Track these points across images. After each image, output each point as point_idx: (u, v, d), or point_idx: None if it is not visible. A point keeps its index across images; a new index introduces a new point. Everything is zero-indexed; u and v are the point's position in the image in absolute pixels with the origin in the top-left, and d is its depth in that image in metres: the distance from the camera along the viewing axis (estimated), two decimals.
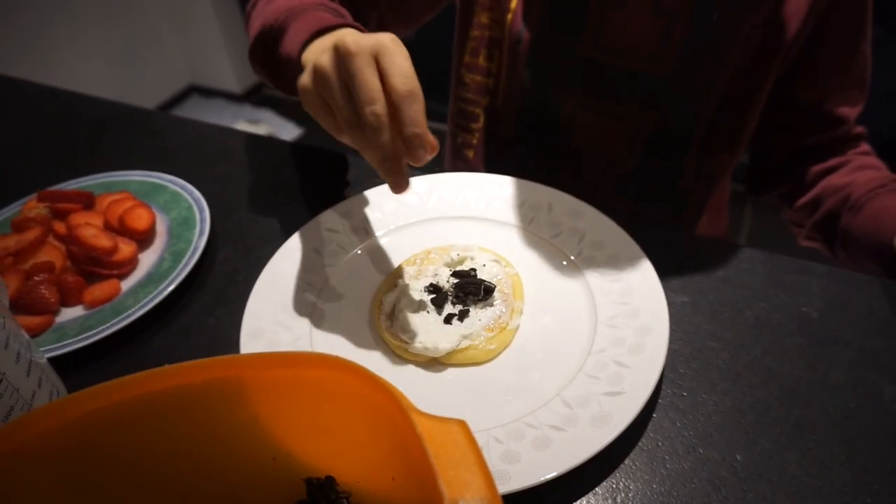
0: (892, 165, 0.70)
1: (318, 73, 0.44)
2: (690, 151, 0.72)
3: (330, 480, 0.38)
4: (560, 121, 0.74)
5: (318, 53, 0.46)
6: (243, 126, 2.57)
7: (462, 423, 0.29)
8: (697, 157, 0.73)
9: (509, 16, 0.71)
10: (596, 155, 0.75)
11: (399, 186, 0.45)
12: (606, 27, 0.66)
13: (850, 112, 0.69)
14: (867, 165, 0.68)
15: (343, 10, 0.59)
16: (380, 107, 0.42)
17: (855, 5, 0.64)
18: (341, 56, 0.42)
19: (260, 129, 2.56)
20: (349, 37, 0.43)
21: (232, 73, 2.76)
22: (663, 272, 0.54)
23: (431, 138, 0.43)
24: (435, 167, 0.63)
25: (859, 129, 0.71)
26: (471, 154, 0.83)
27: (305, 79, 0.46)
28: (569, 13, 0.68)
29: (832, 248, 0.68)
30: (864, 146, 0.71)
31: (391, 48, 0.42)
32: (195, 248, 0.60)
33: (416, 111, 0.42)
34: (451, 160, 0.88)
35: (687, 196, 0.76)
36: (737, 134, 0.70)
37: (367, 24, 0.72)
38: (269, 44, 0.58)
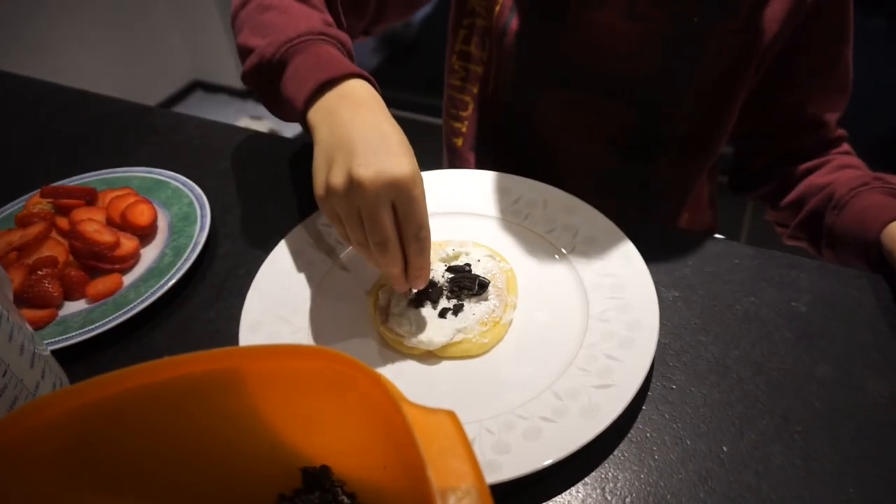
0: (890, 162, 0.71)
1: (332, 193, 0.46)
2: (666, 151, 0.73)
3: (325, 469, 0.39)
4: (539, 114, 0.75)
5: (331, 158, 0.47)
6: (246, 122, 2.58)
7: (451, 414, 0.30)
8: (673, 156, 0.73)
9: (497, 7, 0.71)
10: (573, 151, 0.76)
11: (403, 290, 0.51)
12: (585, 26, 0.67)
13: (832, 115, 0.69)
14: (848, 165, 0.69)
15: (343, 37, 0.57)
16: (390, 245, 0.46)
17: (836, 13, 0.64)
18: (357, 190, 0.44)
19: (262, 125, 2.56)
20: (368, 168, 0.44)
21: (235, 69, 2.76)
22: (655, 268, 0.55)
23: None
24: (430, 158, 0.64)
25: (841, 131, 0.72)
26: (459, 142, 0.83)
27: (320, 192, 0.47)
28: (551, 9, 0.68)
29: (817, 246, 0.68)
30: (845, 146, 0.72)
31: (410, 195, 0.44)
32: (196, 244, 0.61)
33: (423, 261, 0.48)
34: (445, 149, 0.89)
35: (662, 195, 0.77)
36: (712, 136, 0.71)
37: (367, 7, 0.71)
38: (266, 76, 0.56)
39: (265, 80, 0.56)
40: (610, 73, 0.69)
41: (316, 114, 0.50)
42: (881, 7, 1.74)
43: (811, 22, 0.64)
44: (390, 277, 0.49)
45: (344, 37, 0.58)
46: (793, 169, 0.72)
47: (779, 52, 0.65)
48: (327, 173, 0.46)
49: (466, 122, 0.82)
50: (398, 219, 0.45)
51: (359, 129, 0.46)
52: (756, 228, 1.98)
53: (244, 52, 0.59)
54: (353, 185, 0.44)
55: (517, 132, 0.78)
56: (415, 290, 0.53)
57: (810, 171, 0.70)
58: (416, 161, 0.46)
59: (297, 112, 0.52)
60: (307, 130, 0.52)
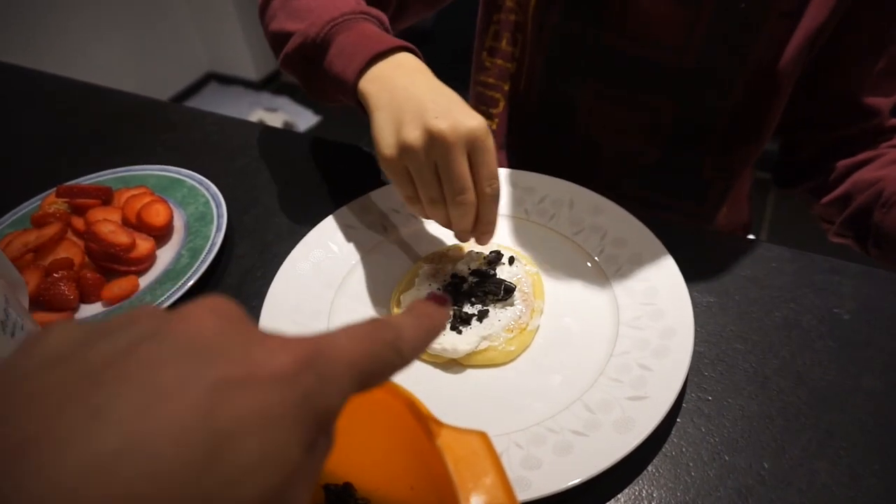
0: None
1: (407, 150, 0.46)
2: (712, 143, 0.70)
3: (348, 487, 0.37)
4: (580, 109, 0.72)
5: (399, 118, 0.47)
6: (261, 114, 2.57)
7: (483, 435, 0.29)
8: (719, 148, 0.71)
9: (533, 1, 0.69)
10: (616, 145, 0.74)
11: (466, 240, 0.52)
12: (630, 16, 0.64)
13: (884, 103, 0.66)
14: None
15: (382, 16, 0.58)
16: (470, 195, 0.47)
17: None
18: (437, 142, 0.45)
19: (277, 117, 2.55)
20: (444, 120, 0.45)
21: (250, 60, 2.76)
22: (687, 271, 0.53)
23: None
24: None
25: (894, 121, 0.68)
26: None
27: (392, 151, 0.47)
28: (593, 3, 0.66)
29: (864, 245, 0.66)
30: None
31: (484, 144, 0.46)
32: (212, 245, 0.60)
33: (493, 212, 0.49)
34: None
35: (708, 188, 0.74)
36: (760, 127, 0.68)
37: (388, 3, 0.71)
38: (310, 57, 0.56)
39: (308, 62, 0.57)
40: (655, 63, 0.66)
41: (371, 83, 0.50)
42: None
43: (862, 3, 0.60)
44: (460, 232, 0.50)
45: (383, 16, 0.58)
46: (841, 162, 0.69)
47: (829, 35, 0.63)
48: (398, 132, 0.46)
49: (497, 120, 0.80)
50: (473, 168, 0.46)
51: (423, 90, 0.47)
52: (777, 224, 1.94)
53: (281, 38, 0.59)
54: (433, 136, 0.45)
55: (553, 128, 0.76)
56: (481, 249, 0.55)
57: (859, 166, 0.67)
58: None
59: (347, 86, 0.52)
60: (358, 105, 0.53)
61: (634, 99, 0.69)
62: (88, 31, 2.32)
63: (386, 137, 0.47)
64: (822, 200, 0.71)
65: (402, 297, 0.54)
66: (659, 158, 0.73)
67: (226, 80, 2.90)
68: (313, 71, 0.57)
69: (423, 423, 0.29)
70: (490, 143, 0.46)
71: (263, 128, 0.81)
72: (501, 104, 0.79)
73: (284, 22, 0.59)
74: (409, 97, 0.47)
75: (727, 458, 0.43)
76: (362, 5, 0.58)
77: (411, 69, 0.50)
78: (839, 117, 0.68)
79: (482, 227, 0.49)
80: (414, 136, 0.45)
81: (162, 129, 0.82)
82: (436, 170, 0.46)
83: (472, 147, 0.45)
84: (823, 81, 0.67)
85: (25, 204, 0.69)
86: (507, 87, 0.78)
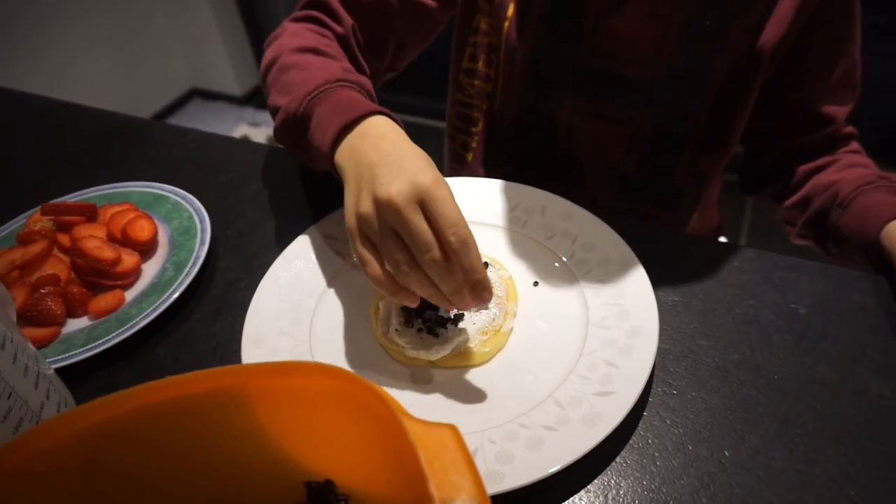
0: (893, 157, 0.71)
1: (363, 221, 0.46)
2: (685, 151, 0.73)
3: (329, 484, 0.39)
4: (557, 126, 0.75)
5: (357, 190, 0.47)
6: (245, 128, 2.58)
7: (452, 428, 0.30)
8: (691, 156, 0.74)
9: (506, 23, 0.72)
10: (595, 158, 0.76)
11: (470, 307, 0.47)
12: (603, 34, 0.67)
13: (840, 111, 0.70)
14: (855, 164, 0.69)
15: (362, 80, 0.58)
16: (435, 252, 0.43)
17: (842, 11, 0.65)
18: (386, 208, 0.44)
19: (261, 131, 2.57)
20: (391, 185, 0.44)
21: (233, 76, 2.78)
22: (655, 272, 0.55)
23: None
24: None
25: (849, 128, 0.72)
26: (470, 157, 0.84)
27: (351, 222, 0.47)
28: (565, 21, 0.68)
29: (824, 245, 0.69)
30: (854, 145, 0.72)
31: (434, 195, 0.44)
32: (196, 258, 0.62)
33: (473, 258, 0.44)
34: (449, 163, 0.89)
35: (681, 194, 0.77)
36: (728, 133, 0.72)
37: (387, 48, 0.73)
38: (294, 132, 0.58)
39: (295, 136, 0.58)
40: (628, 78, 0.69)
41: (342, 155, 0.51)
42: (881, 2, 1.75)
43: (818, 20, 0.64)
44: (454, 296, 0.45)
45: (363, 80, 0.59)
46: (800, 167, 0.72)
47: (787, 49, 0.66)
48: (356, 205, 0.46)
49: (477, 137, 0.82)
50: (432, 223, 0.44)
51: (380, 158, 0.47)
52: (756, 227, 1.99)
53: (272, 112, 0.61)
54: (381, 204, 0.44)
55: (533, 145, 0.79)
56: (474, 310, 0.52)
57: (818, 170, 0.71)
58: (437, 169, 0.46)
59: (325, 159, 0.53)
60: (337, 176, 0.52)
61: (611, 113, 0.72)
62: (71, 50, 2.33)
63: (347, 209, 0.48)
64: (783, 204, 0.74)
65: (381, 304, 0.56)
66: (636, 168, 0.76)
67: (209, 96, 2.92)
68: (301, 144, 0.58)
69: (396, 418, 0.31)
70: (441, 192, 0.44)
71: (245, 143, 0.83)
72: (481, 123, 0.82)
73: (275, 97, 0.61)
74: (367, 166, 0.47)
75: (690, 447, 0.46)
76: (344, 71, 0.59)
77: (376, 136, 0.50)
78: (798, 125, 0.72)
79: (467, 278, 0.44)
80: (366, 206, 0.45)
81: (145, 146, 0.84)
82: (397, 235, 0.45)
83: (423, 203, 0.44)
84: (783, 92, 0.70)
85: (11, 222, 0.70)
86: (485, 107, 0.80)
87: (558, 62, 0.71)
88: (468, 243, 0.44)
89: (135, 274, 0.62)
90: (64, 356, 0.54)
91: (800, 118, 0.71)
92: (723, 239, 0.91)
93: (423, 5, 0.73)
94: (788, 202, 0.74)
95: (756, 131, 0.75)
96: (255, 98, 2.88)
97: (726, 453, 0.45)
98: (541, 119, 0.76)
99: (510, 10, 0.71)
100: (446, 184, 0.45)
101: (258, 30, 2.74)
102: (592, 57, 0.69)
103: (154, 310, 0.57)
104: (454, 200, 0.44)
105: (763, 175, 0.78)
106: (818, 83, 0.68)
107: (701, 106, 0.70)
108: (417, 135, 0.52)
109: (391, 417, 0.31)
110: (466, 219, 0.64)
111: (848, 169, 0.68)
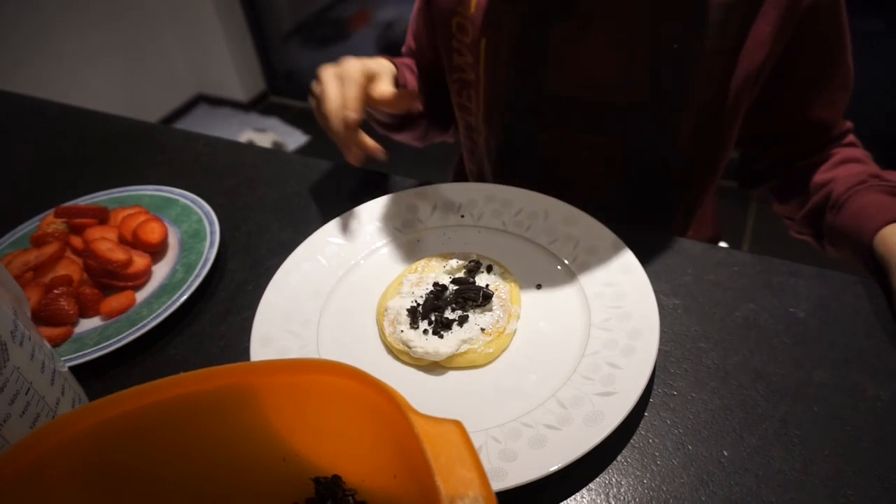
0: (892, 162, 0.70)
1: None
2: (671, 174, 0.74)
3: (336, 479, 0.40)
4: (543, 154, 0.76)
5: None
6: (250, 134, 2.60)
7: (458, 424, 0.31)
8: (679, 178, 0.74)
9: (481, 60, 0.73)
10: (579, 182, 0.77)
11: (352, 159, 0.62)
12: (573, 63, 0.68)
13: (836, 114, 0.70)
14: (850, 158, 0.69)
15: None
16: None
17: (828, 19, 0.64)
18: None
19: (266, 137, 2.59)
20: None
21: (238, 82, 2.80)
22: (656, 276, 0.56)
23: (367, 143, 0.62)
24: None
25: (846, 124, 0.72)
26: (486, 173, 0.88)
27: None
28: (532, 54, 0.70)
29: (821, 242, 0.69)
30: (850, 137, 0.72)
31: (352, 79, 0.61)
32: (206, 260, 0.63)
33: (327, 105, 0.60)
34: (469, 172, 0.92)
35: (670, 213, 0.78)
36: (715, 155, 0.72)
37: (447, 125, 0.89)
38: None
39: None
40: (601, 104, 0.70)
41: None
42: (879, 9, 1.76)
43: (807, 37, 0.64)
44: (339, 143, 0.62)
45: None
46: (797, 167, 0.72)
47: (776, 68, 0.66)
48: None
49: (481, 162, 0.84)
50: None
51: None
52: (759, 234, 1.99)
53: None
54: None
55: (518, 172, 0.80)
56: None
57: (813, 167, 0.71)
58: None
59: None
60: None
61: (590, 139, 0.73)
62: (79, 57, 2.35)
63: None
64: (780, 201, 0.75)
65: (387, 304, 0.57)
66: (620, 192, 0.77)
67: (215, 102, 2.94)
68: None
69: (403, 413, 0.32)
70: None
71: (253, 148, 0.84)
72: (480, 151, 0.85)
73: None
74: None
75: (690, 447, 0.47)
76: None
77: None
78: (794, 133, 0.72)
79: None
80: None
81: (154, 150, 0.85)
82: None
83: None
84: (777, 104, 0.70)
85: (23, 225, 0.72)
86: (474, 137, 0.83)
87: (533, 94, 0.73)
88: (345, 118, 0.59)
89: (145, 275, 0.63)
90: (77, 355, 0.55)
91: (795, 126, 0.71)
92: (723, 244, 0.92)
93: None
94: (784, 199, 0.74)
95: (750, 140, 0.75)
96: (260, 104, 2.90)
97: (725, 453, 0.46)
98: (524, 148, 0.77)
99: (482, 48, 0.72)
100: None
101: (263, 36, 2.77)
102: (565, 86, 0.70)
103: (164, 310, 0.58)
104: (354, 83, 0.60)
105: (759, 175, 0.78)
106: (812, 93, 0.68)
107: (683, 130, 0.69)
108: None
109: (398, 413, 0.32)
110: (472, 224, 0.66)
111: (842, 166, 0.68)
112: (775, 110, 0.70)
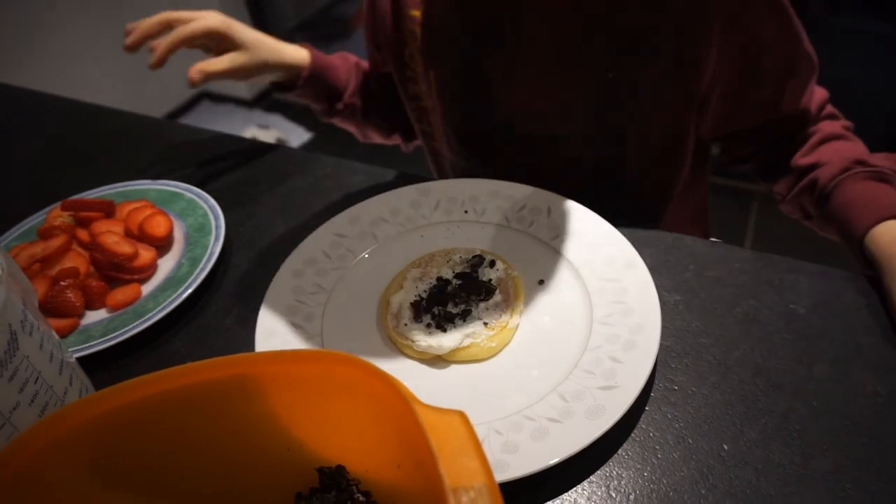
0: None
1: None
2: (629, 194, 0.75)
3: (341, 469, 0.40)
4: (504, 178, 0.76)
5: None
6: (253, 130, 2.61)
7: (461, 414, 0.32)
8: (642, 193, 0.75)
9: (434, 89, 0.74)
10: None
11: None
12: (513, 94, 0.69)
13: (808, 99, 0.68)
14: (830, 136, 0.67)
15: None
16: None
17: (783, 37, 0.62)
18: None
19: (270, 133, 2.59)
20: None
21: None
22: (657, 272, 0.57)
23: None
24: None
25: (820, 94, 0.69)
26: None
27: None
28: (476, 86, 0.70)
29: (810, 223, 0.69)
30: (828, 109, 0.70)
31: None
32: (211, 254, 0.64)
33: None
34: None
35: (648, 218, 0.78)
36: (672, 172, 0.72)
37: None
38: None
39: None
40: (547, 135, 0.71)
41: None
42: (885, 11, 1.75)
43: (755, 47, 0.63)
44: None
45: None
46: (778, 152, 0.71)
47: (732, 75, 0.64)
48: None
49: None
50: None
51: None
52: (760, 232, 1.99)
53: None
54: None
55: None
56: None
57: (795, 148, 0.69)
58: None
59: None
60: None
61: (546, 164, 0.73)
62: (83, 52, 2.36)
63: None
64: (765, 181, 0.74)
65: (391, 299, 0.57)
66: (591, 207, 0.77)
67: (218, 99, 2.94)
68: None
69: (407, 404, 0.32)
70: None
71: (258, 144, 0.85)
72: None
73: None
74: None
75: (691, 441, 0.47)
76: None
77: None
78: (768, 125, 0.70)
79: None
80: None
81: (160, 145, 0.86)
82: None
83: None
84: (745, 107, 0.68)
85: (31, 218, 0.73)
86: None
87: (482, 125, 0.74)
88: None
89: (151, 269, 0.64)
90: (83, 346, 0.55)
91: (771, 120, 0.69)
92: (718, 240, 0.91)
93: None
94: (769, 179, 0.73)
95: (728, 137, 0.74)
96: (264, 101, 2.91)
97: (725, 447, 0.46)
98: (486, 173, 0.76)
99: (432, 77, 0.73)
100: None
101: (266, 33, 2.76)
102: (506, 117, 0.71)
103: (170, 303, 0.59)
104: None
105: (742, 160, 0.76)
106: (779, 90, 0.66)
107: (638, 153, 0.69)
108: None
109: (402, 403, 0.33)
110: (475, 220, 0.66)
111: (823, 145, 0.67)
112: (746, 111, 0.69)
